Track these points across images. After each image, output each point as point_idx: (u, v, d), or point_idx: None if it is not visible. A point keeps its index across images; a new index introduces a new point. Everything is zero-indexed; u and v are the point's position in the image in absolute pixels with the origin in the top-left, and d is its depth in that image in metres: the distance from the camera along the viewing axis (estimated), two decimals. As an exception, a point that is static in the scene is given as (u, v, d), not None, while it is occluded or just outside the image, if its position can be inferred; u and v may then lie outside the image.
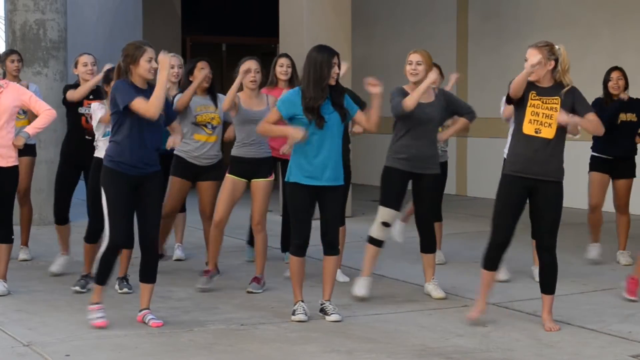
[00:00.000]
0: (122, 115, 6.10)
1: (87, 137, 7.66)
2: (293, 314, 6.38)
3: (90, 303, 6.27)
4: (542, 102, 6.07)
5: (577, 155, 8.37)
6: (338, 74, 6.36)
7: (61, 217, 8.04)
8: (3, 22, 14.99)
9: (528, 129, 6.09)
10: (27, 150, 8.39)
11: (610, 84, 8.29)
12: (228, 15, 17.48)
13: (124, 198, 6.18)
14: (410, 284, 7.59)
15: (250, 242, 8.63)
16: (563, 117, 6.03)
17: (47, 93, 10.16)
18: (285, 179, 6.44)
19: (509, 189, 6.19)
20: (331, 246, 6.44)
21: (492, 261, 6.27)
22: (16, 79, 8.85)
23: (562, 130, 6.09)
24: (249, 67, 7.22)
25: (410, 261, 8.32)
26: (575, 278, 7.82)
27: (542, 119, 6.06)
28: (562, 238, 8.55)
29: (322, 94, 6.26)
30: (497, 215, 6.21)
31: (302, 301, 6.42)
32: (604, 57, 11.76)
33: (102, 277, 6.30)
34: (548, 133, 6.06)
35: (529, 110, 6.09)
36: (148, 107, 6.02)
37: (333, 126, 6.30)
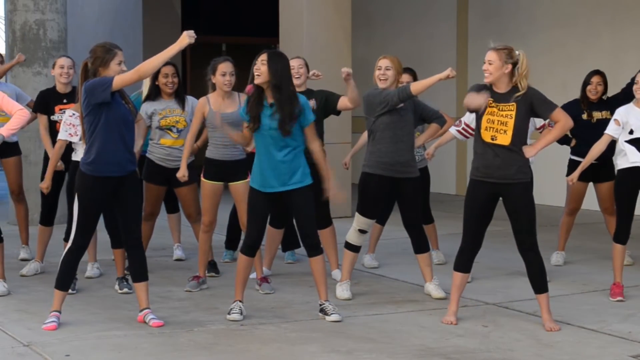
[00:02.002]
0: (99, 115, 6.00)
1: None
2: (229, 313, 6.39)
3: (51, 310, 6.24)
4: (498, 109, 6.09)
5: (566, 155, 8.34)
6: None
7: (45, 218, 8.09)
8: (3, 22, 14.99)
9: (485, 136, 6.14)
10: (12, 150, 8.40)
11: (589, 87, 8.20)
12: (228, 15, 17.48)
13: (97, 205, 6.16)
14: (410, 284, 7.59)
15: (229, 245, 8.62)
16: (530, 154, 6.12)
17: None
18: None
19: (474, 193, 6.24)
20: (313, 247, 6.45)
21: (463, 263, 6.35)
22: None
23: (518, 135, 6.10)
24: (224, 71, 7.20)
25: (410, 261, 8.32)
26: (575, 278, 7.82)
27: (497, 126, 6.09)
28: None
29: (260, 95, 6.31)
30: (465, 220, 6.29)
31: (241, 301, 6.44)
32: (604, 57, 11.76)
33: (63, 282, 6.25)
34: (503, 140, 6.08)
35: (484, 117, 6.13)
36: (138, 67, 5.87)
37: (273, 131, 6.26)
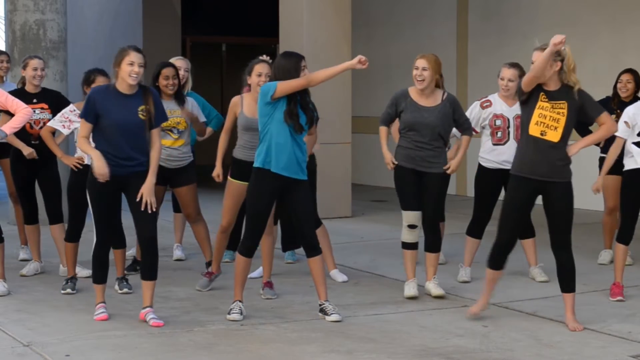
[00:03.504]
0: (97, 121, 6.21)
1: (32, 142, 7.77)
2: (229, 313, 6.40)
3: (96, 303, 6.43)
4: (552, 106, 6.09)
5: (581, 156, 8.32)
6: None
7: (28, 217, 8.13)
8: (3, 22, 14.99)
9: (534, 130, 6.12)
10: (9, 150, 8.40)
11: (619, 85, 8.28)
12: (228, 15, 17.47)
13: (105, 198, 6.27)
14: (410, 284, 7.59)
15: (230, 245, 8.57)
16: (573, 151, 6.14)
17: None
18: (254, 165, 6.45)
19: (516, 190, 6.24)
20: (312, 247, 6.48)
21: (496, 261, 6.32)
22: (1, 78, 9.09)
23: (567, 134, 6.11)
24: (260, 72, 7.12)
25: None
26: (576, 278, 7.81)
27: (549, 122, 6.09)
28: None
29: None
30: (504, 216, 6.27)
31: (241, 301, 6.45)
32: (604, 57, 11.76)
33: (98, 276, 6.44)
34: (553, 136, 6.08)
35: (536, 112, 6.11)
36: (80, 138, 6.24)
37: (304, 123, 6.36)
